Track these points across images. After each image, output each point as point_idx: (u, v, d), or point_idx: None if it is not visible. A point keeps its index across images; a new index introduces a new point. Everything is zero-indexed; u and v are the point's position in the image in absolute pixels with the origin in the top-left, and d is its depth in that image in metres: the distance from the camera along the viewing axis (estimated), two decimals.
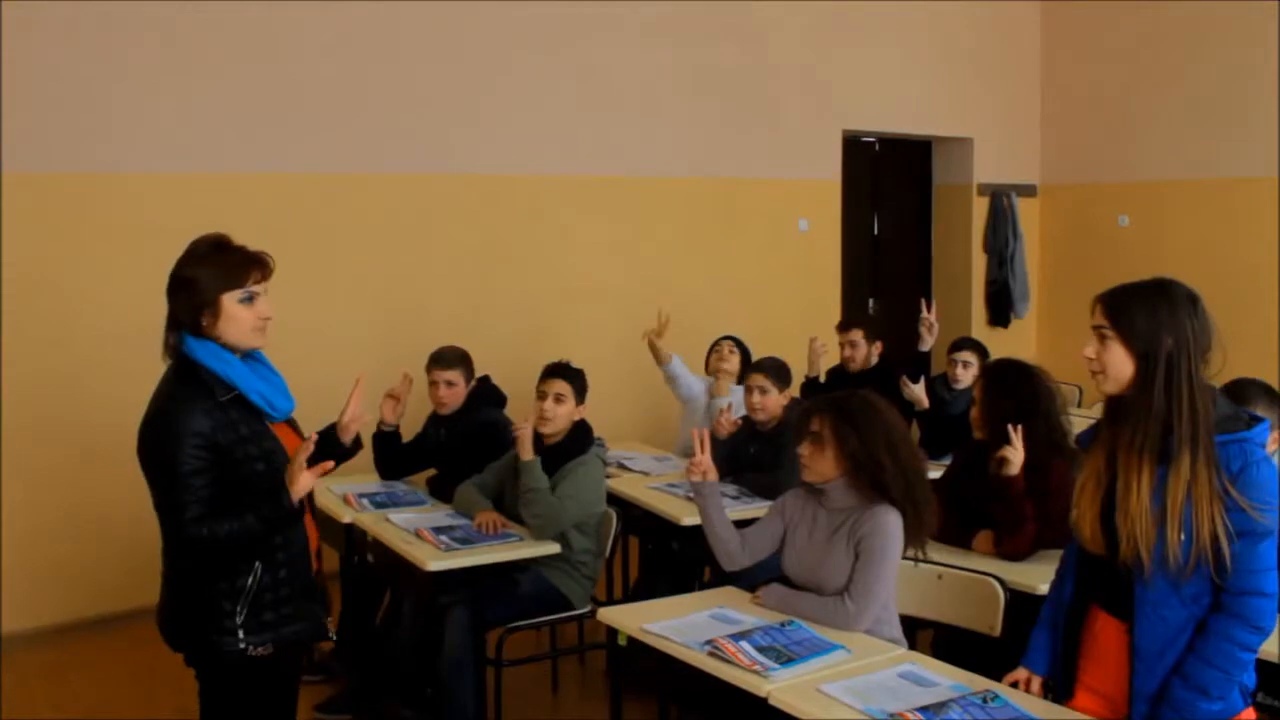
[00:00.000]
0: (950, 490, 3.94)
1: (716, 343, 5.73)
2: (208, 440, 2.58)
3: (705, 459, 3.38)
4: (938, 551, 3.57)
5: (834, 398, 3.28)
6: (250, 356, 2.73)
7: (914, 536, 3.16)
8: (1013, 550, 3.67)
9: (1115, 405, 2.53)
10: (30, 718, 4.48)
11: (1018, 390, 3.86)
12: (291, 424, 2.83)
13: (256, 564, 2.66)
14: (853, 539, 3.14)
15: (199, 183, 5.61)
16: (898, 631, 3.19)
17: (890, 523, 3.12)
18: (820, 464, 3.21)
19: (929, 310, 5.80)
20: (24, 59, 5.23)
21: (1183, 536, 2.37)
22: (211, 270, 2.65)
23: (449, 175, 6.37)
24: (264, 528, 2.62)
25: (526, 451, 4.13)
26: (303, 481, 2.64)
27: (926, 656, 2.98)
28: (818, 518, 3.26)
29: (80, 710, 4.54)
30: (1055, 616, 2.72)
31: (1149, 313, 2.43)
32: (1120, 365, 2.45)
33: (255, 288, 2.68)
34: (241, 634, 2.65)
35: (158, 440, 2.60)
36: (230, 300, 2.65)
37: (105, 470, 5.37)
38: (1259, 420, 2.48)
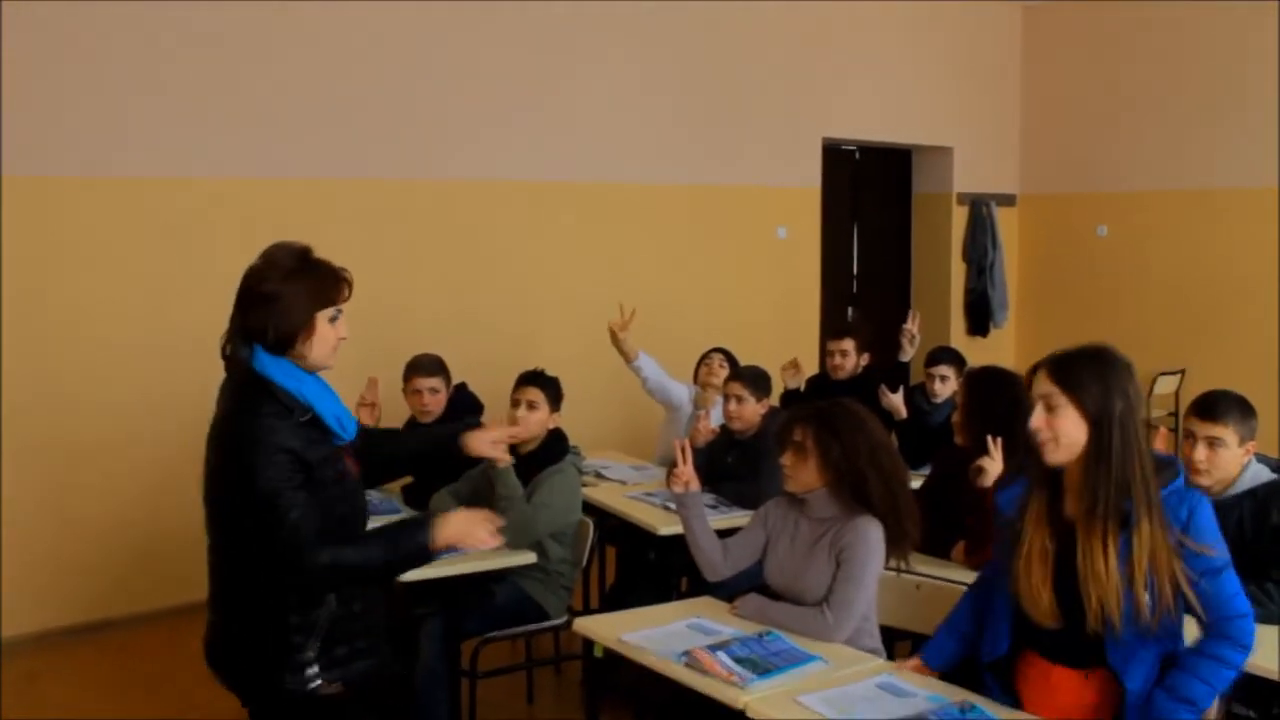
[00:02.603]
0: (929, 499, 3.94)
1: (706, 355, 5.69)
2: (300, 457, 2.44)
3: (688, 469, 3.38)
4: (917, 561, 3.58)
5: (817, 407, 3.28)
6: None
7: (896, 547, 3.17)
8: (980, 563, 3.69)
9: (1051, 474, 2.55)
10: None
11: (1001, 397, 3.87)
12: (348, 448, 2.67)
13: (330, 594, 2.51)
14: (834, 549, 3.15)
15: (184, 188, 5.60)
16: (877, 642, 3.20)
17: (872, 534, 3.12)
18: (803, 473, 3.21)
19: (913, 321, 5.80)
20: (20, 60, 5.22)
21: (1148, 597, 2.44)
22: (305, 286, 2.51)
23: (425, 181, 6.37)
24: (390, 561, 2.47)
25: (501, 459, 4.10)
26: (454, 531, 2.50)
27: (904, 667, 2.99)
28: (800, 527, 3.27)
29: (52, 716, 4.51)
30: (962, 626, 2.86)
31: (1099, 377, 2.47)
32: (1074, 432, 2.48)
33: (343, 305, 2.58)
34: (315, 670, 2.50)
35: (252, 461, 2.40)
36: (323, 319, 2.53)
37: (92, 477, 5.39)
38: (1174, 460, 2.57)
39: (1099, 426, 2.46)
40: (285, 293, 2.49)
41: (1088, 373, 2.47)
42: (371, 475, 4.67)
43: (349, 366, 5.64)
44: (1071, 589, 2.50)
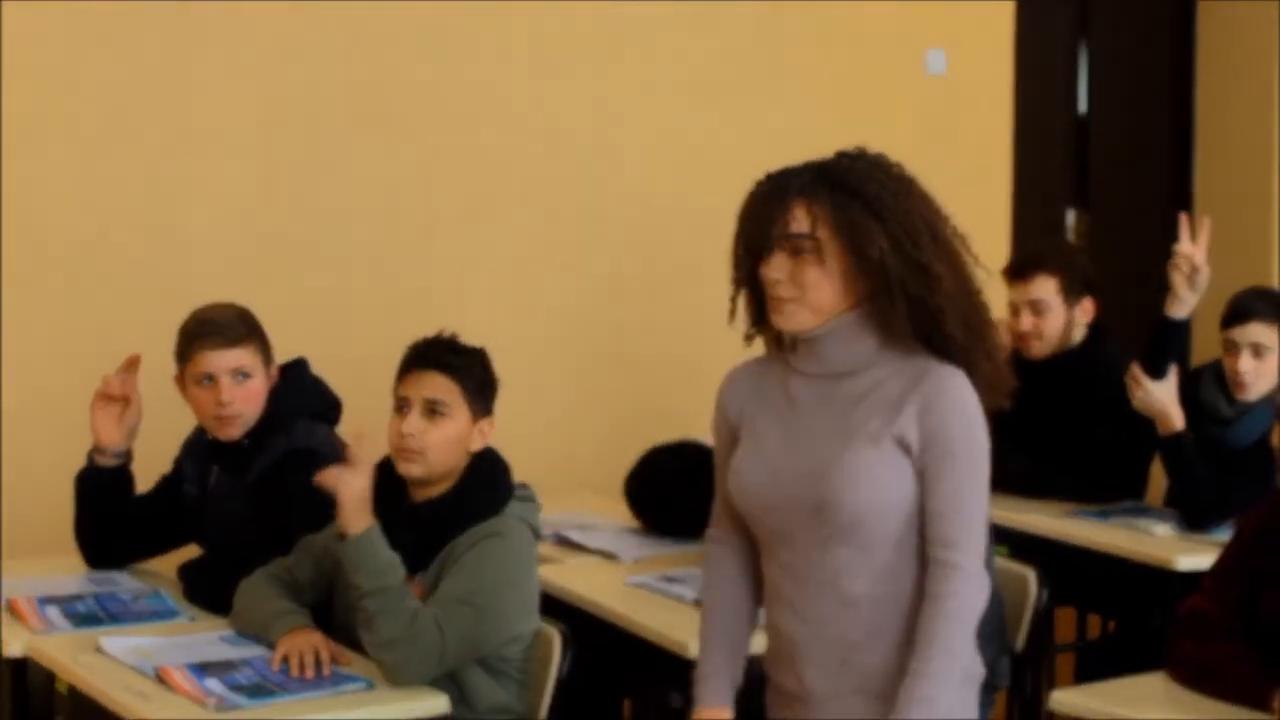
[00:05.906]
0: (1232, 598, 3.99)
1: None
2: None
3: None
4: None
5: (820, 166, 3.50)
6: None
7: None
8: None
9: None
10: None
11: None
12: None
13: None
14: (898, 418, 3.30)
15: None
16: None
17: (964, 392, 3.33)
18: (815, 293, 3.33)
19: (1194, 236, 5.80)
20: None
21: None
22: None
23: None
24: None
25: (353, 520, 4.14)
26: None
27: None
28: (803, 393, 3.45)
29: None
30: None
31: None
32: None
33: None
34: None
35: None
36: None
37: None
38: None
39: None
40: None
41: None
42: (105, 541, 4.79)
43: (74, 342, 5.69)
44: None
